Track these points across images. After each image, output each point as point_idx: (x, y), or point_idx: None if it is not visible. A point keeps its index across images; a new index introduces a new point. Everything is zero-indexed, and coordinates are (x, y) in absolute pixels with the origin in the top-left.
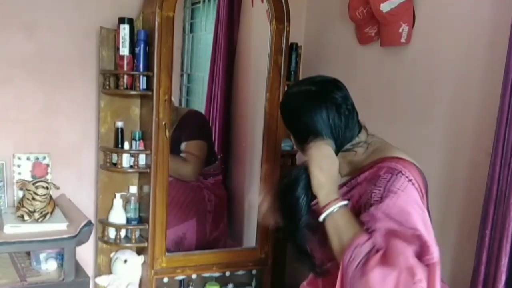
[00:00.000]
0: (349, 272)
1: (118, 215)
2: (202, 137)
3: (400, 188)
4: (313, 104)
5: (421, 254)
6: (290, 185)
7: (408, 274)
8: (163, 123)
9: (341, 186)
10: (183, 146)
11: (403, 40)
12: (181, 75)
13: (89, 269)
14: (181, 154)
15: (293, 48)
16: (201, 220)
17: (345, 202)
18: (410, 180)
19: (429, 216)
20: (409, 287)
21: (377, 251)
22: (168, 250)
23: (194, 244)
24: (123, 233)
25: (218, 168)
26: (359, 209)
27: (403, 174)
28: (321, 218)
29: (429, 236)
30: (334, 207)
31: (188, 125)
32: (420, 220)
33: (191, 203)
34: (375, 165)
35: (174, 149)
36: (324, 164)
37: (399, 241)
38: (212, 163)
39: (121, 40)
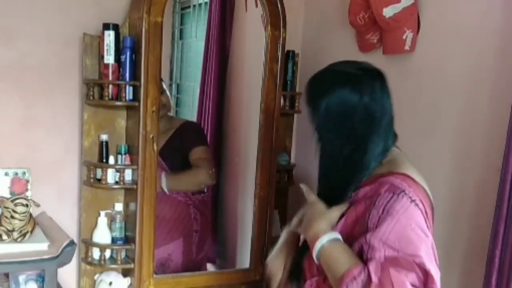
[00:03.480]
0: None
1: (102, 235)
2: (206, 143)
3: (400, 211)
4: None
5: (423, 283)
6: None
7: None
8: (151, 136)
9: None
10: (192, 153)
11: (407, 47)
12: (170, 85)
13: None
14: (192, 162)
15: (290, 56)
16: (188, 240)
17: (335, 234)
18: (413, 201)
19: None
20: None
21: (371, 282)
22: (156, 272)
23: (180, 265)
24: (108, 253)
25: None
26: (353, 230)
27: (406, 194)
28: (314, 255)
29: (431, 263)
30: (324, 239)
31: (190, 133)
32: (423, 246)
33: (178, 221)
34: (378, 179)
35: (177, 162)
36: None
37: (398, 269)
38: None
39: (105, 48)
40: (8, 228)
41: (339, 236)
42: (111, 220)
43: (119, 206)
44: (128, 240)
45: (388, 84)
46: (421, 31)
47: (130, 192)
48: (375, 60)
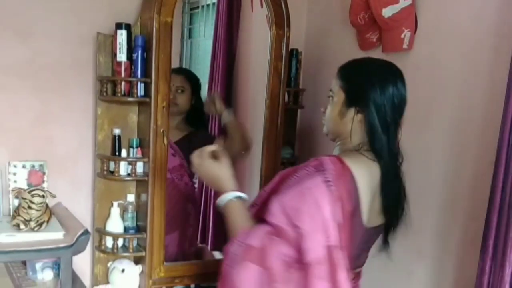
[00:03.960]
0: (228, 260)
1: (115, 224)
2: None
3: (309, 187)
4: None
5: (299, 258)
6: None
7: (268, 276)
8: (161, 130)
9: None
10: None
11: (405, 46)
12: None
13: (86, 279)
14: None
15: (293, 54)
16: (183, 233)
17: (241, 194)
18: (327, 182)
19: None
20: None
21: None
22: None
23: (175, 253)
24: (120, 242)
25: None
26: (278, 187)
27: (324, 174)
28: (219, 204)
29: (312, 241)
30: (231, 195)
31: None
32: (310, 220)
33: (178, 210)
34: (318, 156)
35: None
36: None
37: (280, 240)
38: None
39: (118, 46)
40: (26, 218)
41: (241, 194)
42: (124, 210)
43: (131, 197)
44: (139, 229)
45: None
46: (418, 31)
47: (141, 184)
48: None
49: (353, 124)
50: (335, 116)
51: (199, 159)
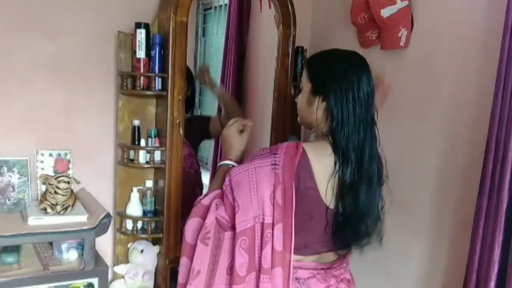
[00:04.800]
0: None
1: (135, 208)
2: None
3: (258, 165)
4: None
5: (232, 222)
6: None
7: (204, 228)
8: (177, 121)
9: None
10: (211, 123)
11: (402, 43)
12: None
13: (108, 259)
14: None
15: (299, 51)
16: None
17: (232, 162)
18: (273, 165)
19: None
20: (200, 237)
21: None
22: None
23: None
24: (139, 224)
25: None
26: None
27: (275, 157)
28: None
29: (243, 211)
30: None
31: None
32: (246, 196)
33: (189, 198)
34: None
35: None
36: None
37: (220, 205)
38: None
39: (137, 44)
40: (52, 202)
41: (233, 163)
42: (143, 195)
43: (149, 183)
44: (157, 213)
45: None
46: (415, 29)
47: (159, 171)
48: (374, 55)
49: (318, 112)
50: (304, 104)
51: (231, 124)
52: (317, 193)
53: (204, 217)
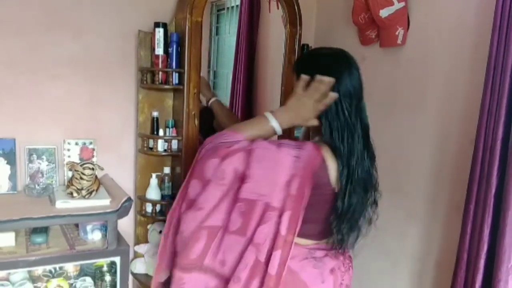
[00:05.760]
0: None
1: (154, 192)
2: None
3: (282, 152)
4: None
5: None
6: None
7: (220, 170)
8: (193, 113)
9: None
10: None
11: (399, 41)
12: (208, 72)
13: (129, 239)
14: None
15: (305, 49)
16: None
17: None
18: (296, 157)
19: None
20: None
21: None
22: None
23: None
24: (158, 207)
25: None
26: None
27: (299, 152)
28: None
29: (255, 184)
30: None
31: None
32: (261, 172)
33: None
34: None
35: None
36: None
37: (241, 155)
38: None
39: (156, 42)
40: (78, 187)
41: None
42: (161, 180)
43: (167, 170)
44: (174, 196)
45: None
46: (411, 28)
47: (176, 158)
48: (373, 52)
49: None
50: None
51: (317, 97)
52: (331, 191)
53: (222, 159)
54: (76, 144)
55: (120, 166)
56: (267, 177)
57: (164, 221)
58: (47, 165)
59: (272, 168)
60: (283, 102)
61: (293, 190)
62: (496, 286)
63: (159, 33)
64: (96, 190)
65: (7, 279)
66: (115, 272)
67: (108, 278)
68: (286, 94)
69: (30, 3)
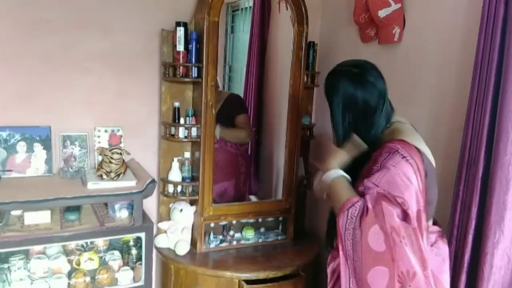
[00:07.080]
0: (345, 226)
1: (175, 175)
2: (246, 111)
3: (392, 164)
4: (351, 83)
5: (403, 218)
6: None
7: (395, 234)
8: (210, 103)
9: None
10: (237, 118)
11: (396, 39)
12: (224, 67)
13: (153, 217)
14: (236, 124)
15: (311, 46)
16: (237, 178)
17: (341, 172)
18: (404, 157)
19: (432, 190)
20: (397, 245)
21: (367, 209)
22: (214, 201)
23: (232, 196)
24: (179, 188)
25: (252, 139)
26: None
27: (398, 152)
28: (327, 179)
29: (411, 204)
30: (332, 174)
31: (235, 103)
32: (406, 190)
33: (230, 165)
34: (383, 145)
35: (226, 123)
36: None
37: (387, 202)
38: None
39: (177, 39)
40: (107, 170)
41: (344, 174)
42: (182, 164)
43: (187, 154)
44: (194, 179)
45: (379, 73)
46: (406, 27)
47: (195, 144)
48: (372, 49)
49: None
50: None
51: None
52: (433, 169)
53: (381, 223)
54: (106, 131)
55: (145, 151)
56: (411, 190)
57: (185, 200)
58: (79, 150)
59: (405, 180)
60: (290, 98)
61: (421, 186)
62: (483, 258)
63: (180, 31)
64: (124, 173)
65: (44, 253)
66: (141, 246)
67: (134, 251)
68: (294, 86)
69: (65, 4)
